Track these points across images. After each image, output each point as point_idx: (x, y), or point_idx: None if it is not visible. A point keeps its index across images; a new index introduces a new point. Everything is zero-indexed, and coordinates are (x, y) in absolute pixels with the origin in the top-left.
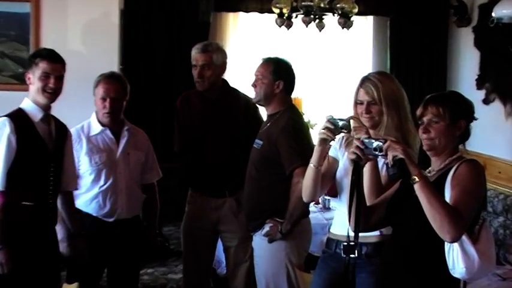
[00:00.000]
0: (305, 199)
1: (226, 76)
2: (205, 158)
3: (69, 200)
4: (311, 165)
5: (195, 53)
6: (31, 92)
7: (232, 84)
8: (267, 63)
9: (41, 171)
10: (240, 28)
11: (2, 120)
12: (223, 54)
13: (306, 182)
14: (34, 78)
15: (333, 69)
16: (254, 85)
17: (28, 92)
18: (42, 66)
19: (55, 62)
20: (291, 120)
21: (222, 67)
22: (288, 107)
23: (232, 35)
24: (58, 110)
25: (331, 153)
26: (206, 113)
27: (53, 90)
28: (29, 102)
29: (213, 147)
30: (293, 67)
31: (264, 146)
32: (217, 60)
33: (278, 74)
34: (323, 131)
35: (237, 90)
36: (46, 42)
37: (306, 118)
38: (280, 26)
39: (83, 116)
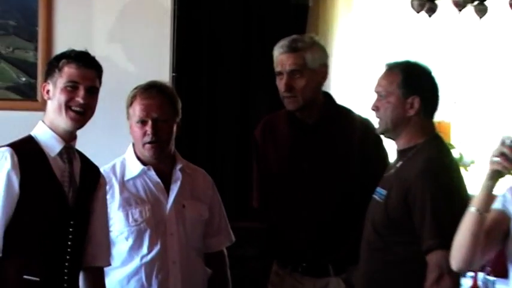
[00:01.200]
0: (455, 266)
1: (330, 88)
2: (299, 216)
3: (97, 280)
4: (472, 210)
5: (279, 53)
6: (49, 112)
7: (340, 100)
8: (392, 71)
9: (54, 233)
10: (355, 15)
11: (1, 150)
12: (322, 53)
13: (461, 237)
14: (54, 89)
15: (496, 78)
16: (375, 107)
17: (44, 113)
18: (68, 71)
19: (87, 67)
20: (434, 162)
21: (322, 73)
22: (430, 138)
23: (342, 26)
24: (81, 141)
25: (498, 205)
26: (300, 146)
27: (81, 108)
28: (44, 128)
29: (312, 198)
30: (435, 75)
31: (389, 199)
32: (313, 62)
33: (411, 86)
34: (496, 159)
35: (349, 109)
36: (61, 38)
37: (456, 152)
38: (418, 12)
39: (114, 150)
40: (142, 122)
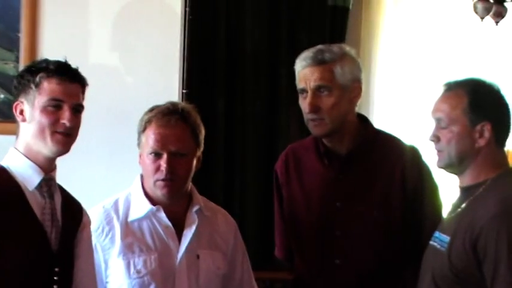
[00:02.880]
0: None
1: (373, 110)
2: (332, 266)
3: None
4: None
5: (302, 67)
6: (24, 137)
7: (385, 124)
8: (456, 93)
9: (36, 283)
10: (403, 21)
11: None
12: (354, 66)
13: None
14: (32, 110)
15: None
16: (435, 137)
17: (16, 137)
18: (48, 88)
19: (71, 81)
20: (509, 203)
21: (354, 90)
22: (502, 172)
23: (388, 33)
24: (66, 171)
25: None
26: (332, 181)
27: (67, 131)
28: (18, 156)
29: (348, 244)
30: (504, 94)
31: (454, 247)
32: (343, 76)
33: (480, 111)
34: None
35: (390, 135)
36: (49, 48)
37: None
38: (482, 17)
39: (114, 183)
40: (156, 155)
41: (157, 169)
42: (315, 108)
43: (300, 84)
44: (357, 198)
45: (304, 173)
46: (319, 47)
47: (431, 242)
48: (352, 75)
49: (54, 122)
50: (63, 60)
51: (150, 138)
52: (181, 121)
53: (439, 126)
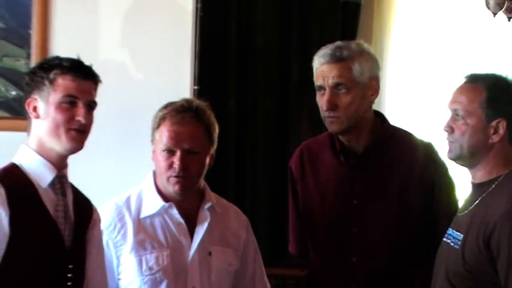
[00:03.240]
0: None
1: (385, 106)
2: (347, 263)
3: None
4: None
5: (320, 64)
6: (37, 134)
7: (396, 120)
8: (475, 86)
9: (50, 280)
10: (414, 16)
11: None
12: (372, 64)
13: None
14: (47, 106)
15: None
16: (449, 128)
17: (27, 134)
18: (63, 84)
19: (85, 78)
20: None
21: (372, 88)
22: None
23: (401, 29)
24: (77, 169)
25: None
26: (347, 178)
27: (82, 128)
28: (31, 153)
29: (363, 242)
30: None
31: (467, 244)
32: (361, 74)
33: (497, 107)
34: None
35: (406, 132)
36: (60, 45)
37: None
38: (494, 13)
39: (124, 180)
40: (170, 152)
41: (170, 166)
42: (332, 105)
43: (317, 81)
44: (373, 195)
45: (319, 169)
46: (338, 43)
47: (444, 239)
48: (370, 72)
49: (69, 119)
50: (75, 58)
51: (163, 135)
52: (195, 119)
53: (454, 118)
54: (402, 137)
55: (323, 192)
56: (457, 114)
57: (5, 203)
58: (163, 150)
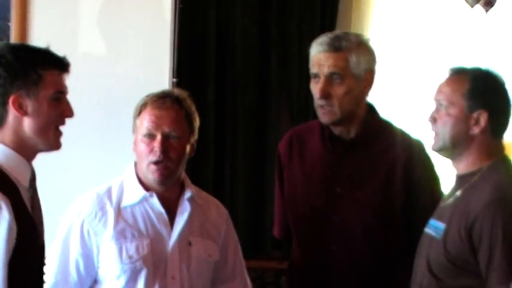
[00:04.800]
0: None
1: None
2: (328, 252)
3: None
4: None
5: (317, 51)
6: (15, 131)
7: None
8: (459, 78)
9: (39, 279)
10: (393, 8)
11: None
12: (369, 57)
13: None
14: (36, 103)
15: None
16: (433, 119)
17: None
18: (52, 80)
19: (67, 71)
20: (505, 190)
21: (366, 80)
22: (497, 161)
23: (380, 20)
24: (55, 161)
25: None
26: (334, 166)
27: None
28: (6, 150)
29: (345, 231)
30: (508, 88)
31: (449, 234)
32: (357, 66)
33: (479, 99)
34: None
35: (392, 124)
36: (40, 37)
37: None
38: (472, 6)
39: (104, 172)
40: (150, 136)
41: (151, 151)
42: (325, 94)
43: (313, 68)
44: (356, 185)
45: (306, 155)
46: (337, 33)
47: (426, 230)
48: (366, 65)
49: (59, 115)
50: (48, 49)
51: (144, 119)
52: (176, 104)
53: (438, 108)
54: (392, 131)
55: (308, 177)
56: (440, 104)
57: (12, 214)
58: (144, 135)
